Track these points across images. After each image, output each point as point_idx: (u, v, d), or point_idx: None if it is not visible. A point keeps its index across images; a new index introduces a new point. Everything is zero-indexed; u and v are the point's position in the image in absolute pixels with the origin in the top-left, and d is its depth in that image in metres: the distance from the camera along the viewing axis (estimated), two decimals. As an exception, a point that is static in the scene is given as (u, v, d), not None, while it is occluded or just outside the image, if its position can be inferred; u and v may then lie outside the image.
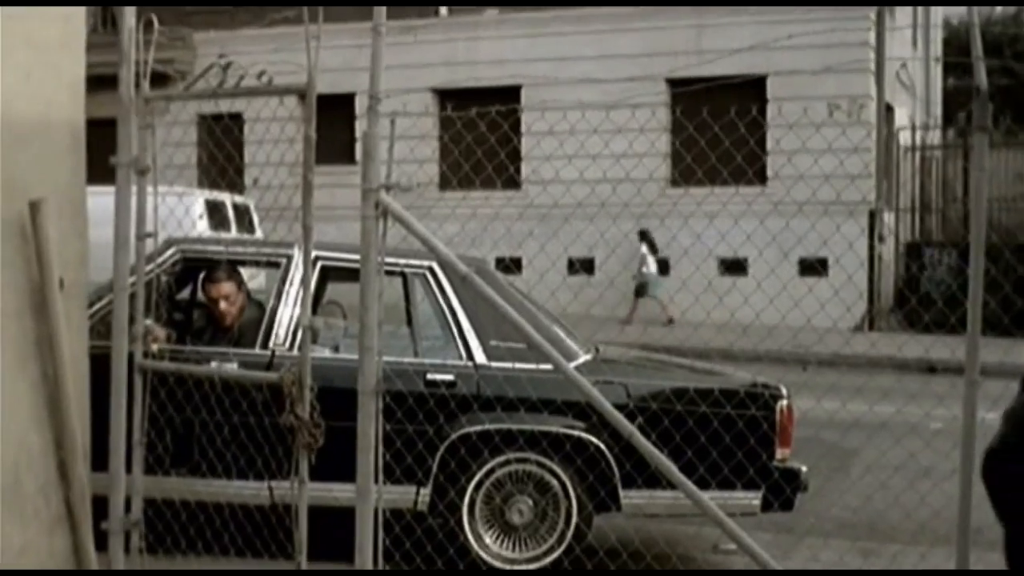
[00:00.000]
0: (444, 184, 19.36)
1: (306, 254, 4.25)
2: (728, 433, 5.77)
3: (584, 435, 5.90)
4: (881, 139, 20.05)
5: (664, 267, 19.14)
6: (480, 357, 6.14)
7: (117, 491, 4.74)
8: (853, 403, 6.98)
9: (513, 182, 19.37)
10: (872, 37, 19.50)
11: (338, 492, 5.29)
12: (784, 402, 6.00)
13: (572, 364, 5.57)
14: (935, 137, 25.88)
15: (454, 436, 5.94)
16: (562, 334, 6.40)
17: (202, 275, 6.58)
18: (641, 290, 18.95)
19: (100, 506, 4.73)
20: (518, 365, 5.98)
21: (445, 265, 5.62)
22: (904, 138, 22.56)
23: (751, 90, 17.68)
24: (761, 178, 17.83)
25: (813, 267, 15.76)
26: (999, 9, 36.48)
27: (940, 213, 23.60)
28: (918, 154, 23.43)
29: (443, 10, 22.33)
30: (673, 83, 19.21)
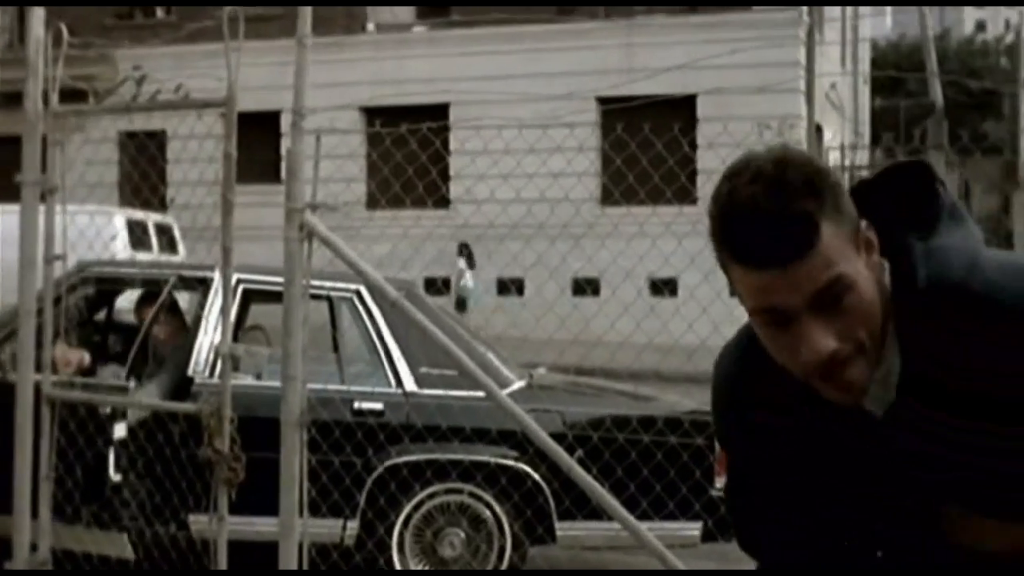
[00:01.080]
0: (372, 204, 19.12)
1: (225, 278, 4.02)
2: (671, 463, 5.57)
3: (519, 466, 5.67)
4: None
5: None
6: (410, 384, 5.88)
7: (21, 531, 4.45)
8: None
9: (443, 201, 19.19)
10: (802, 56, 19.59)
11: (261, 526, 5.06)
12: None
13: (506, 391, 5.37)
14: (863, 157, 26.09)
15: (382, 468, 5.70)
16: (495, 360, 6.20)
17: (138, 296, 6.37)
18: (461, 304, 18.88)
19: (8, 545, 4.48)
20: (450, 393, 5.73)
21: (373, 289, 5.35)
22: (833, 158, 22.69)
23: (682, 109, 17.65)
24: (692, 198, 17.77)
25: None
26: (930, 27, 36.96)
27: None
28: (847, 174, 23.59)
29: (370, 26, 22.14)
30: (604, 102, 19.15)
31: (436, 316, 5.93)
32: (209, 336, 5.86)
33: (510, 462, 5.68)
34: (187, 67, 22.25)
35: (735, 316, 1.93)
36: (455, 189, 19.51)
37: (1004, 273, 1.69)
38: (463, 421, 5.68)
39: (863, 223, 1.72)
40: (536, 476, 5.65)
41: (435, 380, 5.81)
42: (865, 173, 24.84)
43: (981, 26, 59.81)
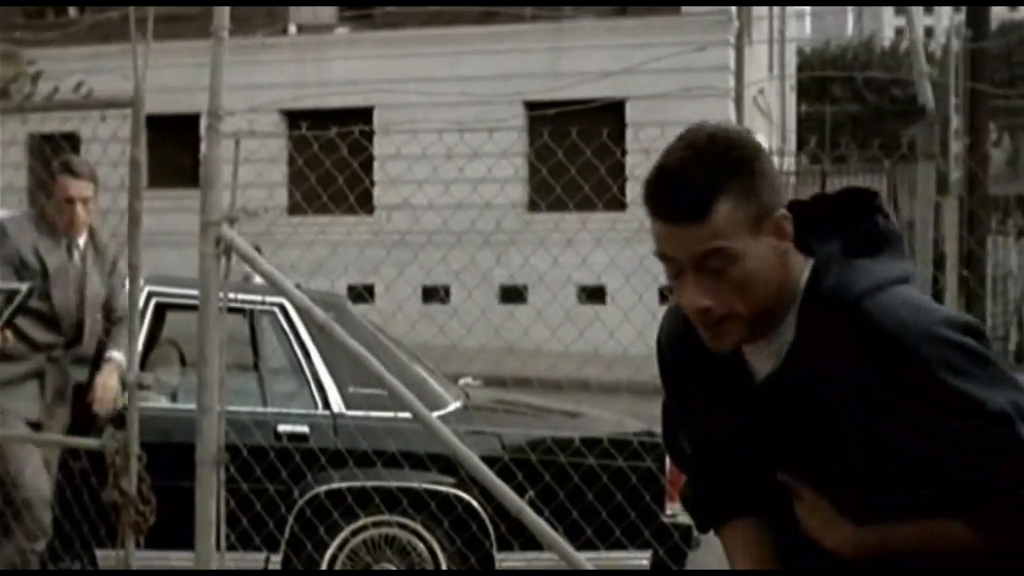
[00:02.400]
0: (295, 210, 18.68)
1: (132, 299, 3.68)
2: (618, 488, 5.22)
3: (453, 491, 5.29)
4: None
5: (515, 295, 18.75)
6: (338, 405, 5.48)
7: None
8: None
9: (367, 207, 18.81)
10: (732, 60, 19.47)
11: (175, 561, 4.70)
12: None
13: (440, 413, 5.10)
14: (790, 163, 26.11)
15: (306, 497, 5.30)
16: (430, 379, 5.84)
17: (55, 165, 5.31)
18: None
19: None
20: (379, 414, 5.34)
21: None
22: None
23: (611, 114, 17.44)
24: (621, 204, 17.57)
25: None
26: (849, 34, 37.27)
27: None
28: (774, 180, 23.55)
29: (292, 28, 21.70)
30: (530, 106, 18.88)
31: (367, 333, 5.60)
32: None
33: (443, 488, 5.30)
34: (99, 67, 21.72)
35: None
36: (380, 195, 19.16)
37: (901, 306, 1.89)
38: (395, 444, 5.28)
39: (781, 212, 1.95)
40: (472, 502, 5.27)
41: (364, 400, 5.40)
42: (793, 179, 24.86)
43: (900, 32, 60.64)
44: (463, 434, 3.83)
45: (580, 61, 18.74)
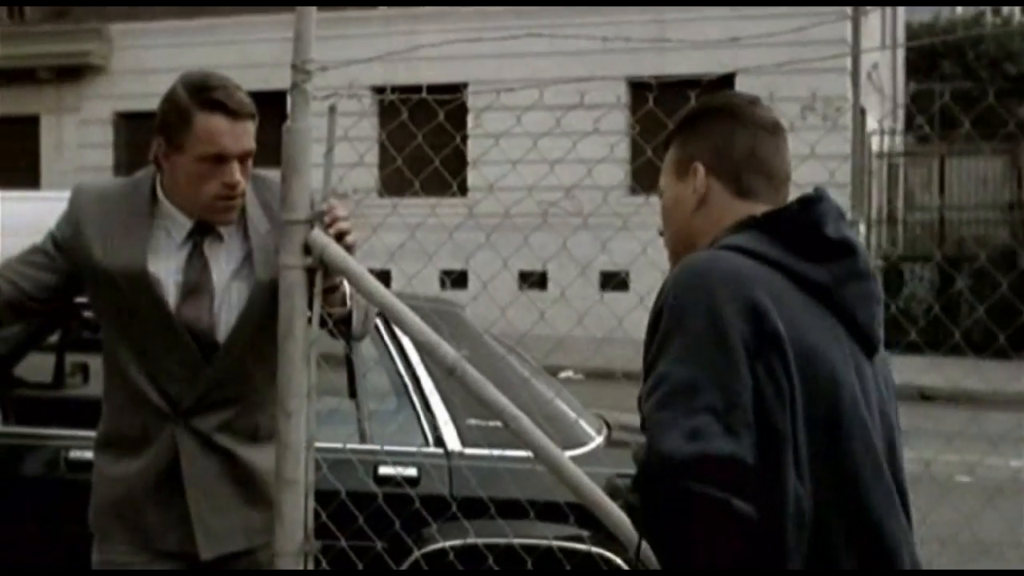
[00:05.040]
0: (385, 190, 18.81)
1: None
2: None
3: (596, 550, 4.43)
4: (857, 144, 19.76)
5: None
6: (453, 441, 4.67)
7: None
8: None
9: (461, 188, 18.89)
10: (848, 33, 19.21)
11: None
12: None
13: (577, 452, 4.46)
14: (898, 143, 25.69)
15: (416, 555, 4.44)
16: (565, 407, 5.02)
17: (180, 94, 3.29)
18: None
19: None
20: (506, 452, 4.31)
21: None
22: (875, 143, 22.31)
23: (718, 90, 17.29)
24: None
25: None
26: (960, 10, 36.58)
27: (904, 224, 23.37)
28: (885, 161, 23.19)
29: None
30: (633, 82, 18.81)
31: (488, 351, 4.97)
32: None
33: (582, 546, 4.41)
34: (183, 42, 22.04)
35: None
36: (473, 176, 19.21)
37: (698, 255, 2.15)
38: (523, 491, 4.34)
39: (696, 162, 2.32)
40: (619, 561, 4.47)
41: (486, 435, 4.48)
42: (901, 160, 24.44)
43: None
44: (605, 478, 3.09)
45: (686, 33, 18.60)
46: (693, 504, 1.89)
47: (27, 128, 24.16)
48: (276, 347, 3.06)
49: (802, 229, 2.17)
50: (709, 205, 2.31)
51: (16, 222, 5.02)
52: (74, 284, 3.23)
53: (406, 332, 3.08)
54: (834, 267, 2.16)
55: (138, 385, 3.16)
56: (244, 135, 3.07)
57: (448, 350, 3.02)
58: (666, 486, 1.91)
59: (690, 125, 2.39)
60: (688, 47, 17.80)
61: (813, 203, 2.21)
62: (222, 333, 3.16)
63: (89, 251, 3.15)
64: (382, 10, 21.78)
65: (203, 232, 3.18)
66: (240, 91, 3.10)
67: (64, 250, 3.21)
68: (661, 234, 2.43)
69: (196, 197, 3.10)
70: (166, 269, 3.16)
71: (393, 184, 18.97)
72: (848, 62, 19.22)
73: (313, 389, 2.98)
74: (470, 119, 17.98)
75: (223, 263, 3.20)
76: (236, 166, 3.07)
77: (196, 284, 3.16)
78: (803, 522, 1.98)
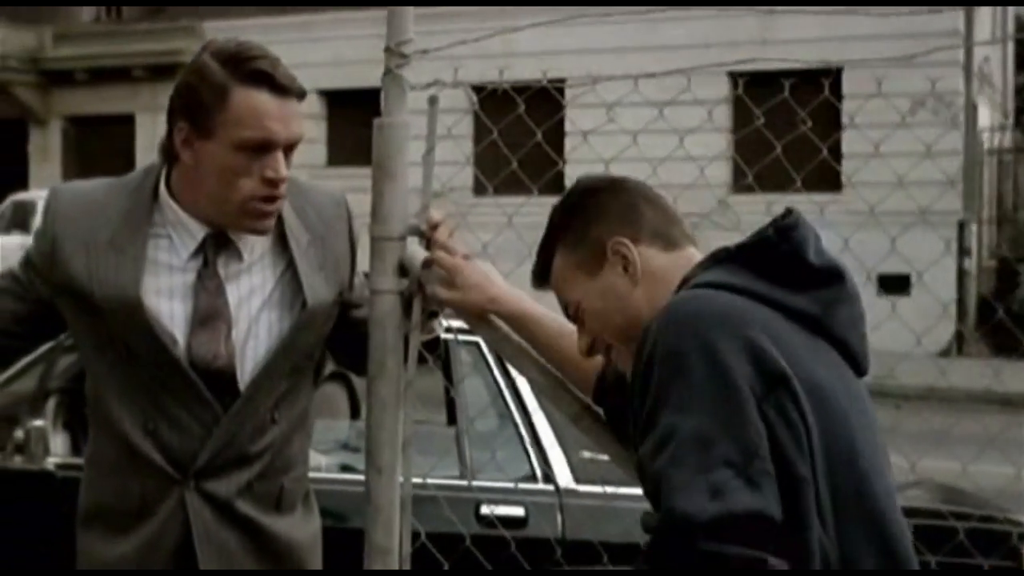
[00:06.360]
0: (479, 190, 18.89)
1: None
2: None
3: None
4: (969, 141, 19.44)
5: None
6: (565, 478, 4.20)
7: None
8: (986, 462, 5.07)
9: (558, 186, 18.89)
10: (961, 24, 18.90)
11: None
12: None
13: None
14: (1008, 139, 25.22)
15: None
16: None
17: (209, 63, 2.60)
18: None
19: None
20: (626, 491, 3.85)
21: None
22: (985, 139, 21.93)
23: (823, 85, 17.11)
24: (835, 184, 17.26)
25: (894, 284, 15.17)
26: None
27: (1014, 223, 22.97)
28: (995, 158, 22.77)
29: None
30: (736, 77, 18.66)
31: None
32: None
33: None
34: (275, 39, 22.22)
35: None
36: (571, 173, 19.20)
37: (683, 296, 2.01)
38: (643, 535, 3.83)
39: (614, 240, 2.14)
40: None
41: (600, 471, 4.04)
42: (1009, 157, 23.96)
43: None
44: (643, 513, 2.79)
45: (791, 27, 18.42)
46: (729, 566, 1.78)
47: (122, 127, 24.60)
48: (310, 392, 2.68)
49: (784, 259, 2.04)
50: (648, 273, 2.16)
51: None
52: (57, 313, 2.60)
53: (531, 382, 2.61)
54: (822, 294, 2.05)
55: (134, 442, 2.51)
56: (293, 118, 2.44)
57: (576, 395, 2.46)
58: (694, 550, 1.78)
59: (574, 219, 2.22)
60: (793, 41, 17.63)
61: (790, 229, 2.06)
62: (243, 374, 2.54)
63: (68, 272, 2.50)
64: (476, 7, 21.84)
65: (217, 245, 2.53)
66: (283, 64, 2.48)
67: (40, 272, 2.58)
68: (589, 349, 2.23)
69: (227, 197, 2.44)
70: (169, 293, 2.51)
71: (487, 181, 18.96)
72: (960, 55, 18.92)
73: (410, 441, 2.46)
74: (567, 115, 17.96)
75: (243, 285, 2.55)
76: (282, 157, 2.44)
77: (209, 312, 2.51)
78: (829, 565, 1.91)
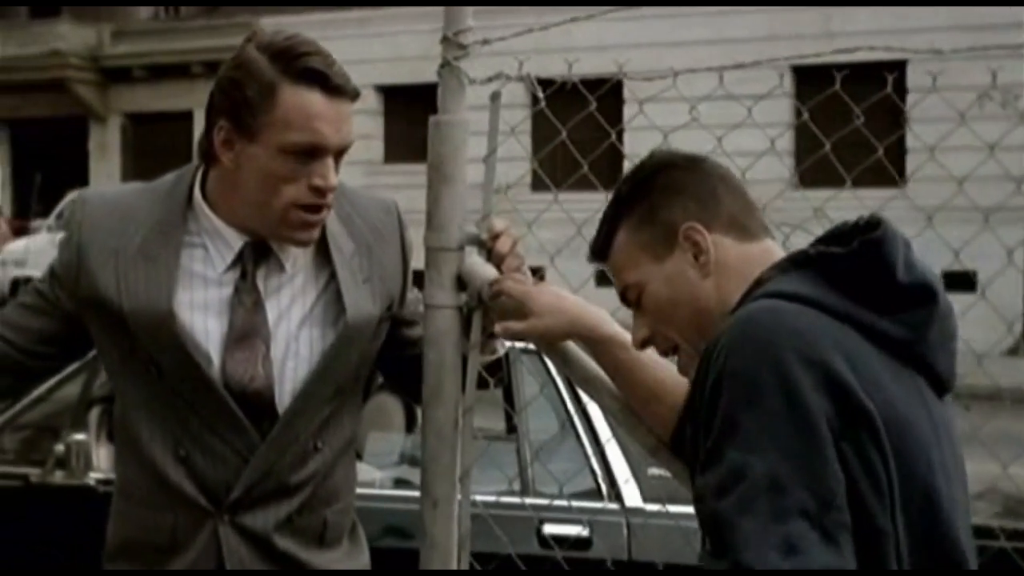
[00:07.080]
0: (537, 185, 18.90)
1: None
2: None
3: None
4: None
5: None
6: (632, 496, 3.98)
7: None
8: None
9: (616, 181, 18.88)
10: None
11: None
12: None
13: None
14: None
15: None
16: None
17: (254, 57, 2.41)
18: None
19: None
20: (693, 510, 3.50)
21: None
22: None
23: (887, 78, 17.00)
24: (894, 179, 17.14)
25: (960, 281, 15.05)
26: None
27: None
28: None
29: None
30: (798, 71, 18.57)
31: None
32: None
33: None
34: (331, 35, 22.34)
35: None
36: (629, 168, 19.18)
37: (755, 307, 1.80)
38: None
39: (687, 224, 1.96)
40: None
41: (670, 489, 3.51)
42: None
43: None
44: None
45: (853, 20, 18.31)
46: None
47: (181, 123, 24.81)
48: (357, 416, 2.48)
49: (869, 276, 1.83)
50: (721, 265, 1.96)
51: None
52: (86, 330, 2.41)
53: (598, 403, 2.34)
54: (913, 316, 1.83)
55: (165, 470, 2.33)
56: (345, 122, 2.24)
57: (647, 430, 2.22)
58: None
59: (642, 195, 2.02)
60: (856, 33, 17.50)
61: (878, 244, 1.84)
62: (282, 396, 2.34)
63: (94, 283, 2.32)
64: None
65: (256, 256, 2.34)
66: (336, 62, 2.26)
67: (64, 284, 2.39)
68: (645, 344, 2.04)
69: (268, 203, 2.24)
70: (204, 307, 2.32)
71: (545, 178, 18.92)
72: (1028, 46, 18.74)
73: (469, 472, 2.26)
74: (626, 110, 17.95)
75: (285, 300, 2.36)
76: (331, 164, 2.24)
77: (247, 329, 2.32)
78: None
